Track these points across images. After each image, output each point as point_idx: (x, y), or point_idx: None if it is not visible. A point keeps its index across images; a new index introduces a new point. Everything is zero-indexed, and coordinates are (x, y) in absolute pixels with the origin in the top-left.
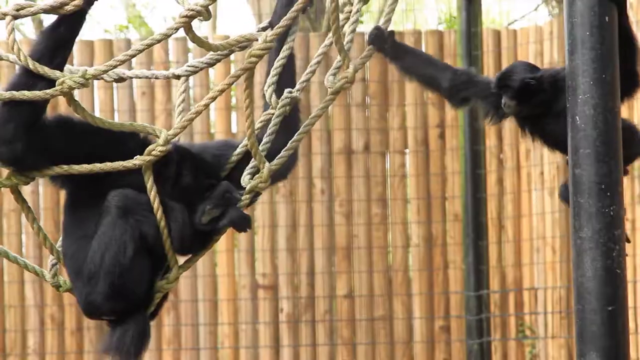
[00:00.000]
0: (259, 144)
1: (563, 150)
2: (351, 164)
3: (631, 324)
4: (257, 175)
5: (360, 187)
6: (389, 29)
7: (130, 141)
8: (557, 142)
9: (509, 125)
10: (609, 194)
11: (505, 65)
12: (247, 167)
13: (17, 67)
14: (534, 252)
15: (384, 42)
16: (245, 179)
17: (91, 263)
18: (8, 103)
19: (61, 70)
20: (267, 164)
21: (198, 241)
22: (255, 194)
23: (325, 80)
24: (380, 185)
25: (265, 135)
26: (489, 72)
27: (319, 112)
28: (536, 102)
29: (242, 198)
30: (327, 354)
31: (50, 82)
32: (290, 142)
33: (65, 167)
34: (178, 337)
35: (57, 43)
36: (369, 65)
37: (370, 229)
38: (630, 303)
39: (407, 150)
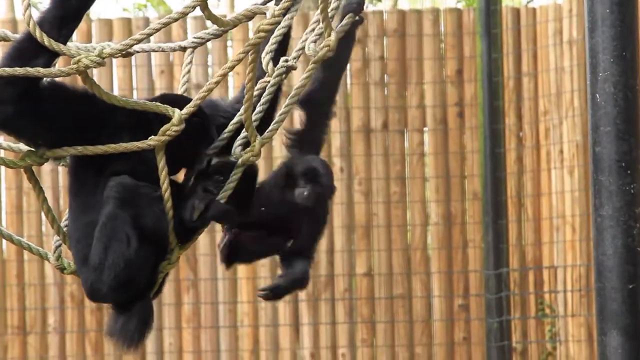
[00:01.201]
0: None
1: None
2: (370, 143)
3: None
4: (248, 149)
5: (379, 166)
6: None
7: (120, 113)
8: None
9: (529, 103)
10: (629, 171)
11: (524, 44)
12: (238, 138)
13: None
14: (554, 231)
15: (358, 12)
16: (236, 151)
17: (95, 254)
18: (5, 68)
19: (67, 42)
20: (259, 137)
21: (184, 235)
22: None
23: (307, 48)
24: (399, 163)
25: (258, 104)
26: (509, 50)
27: (304, 82)
28: None
29: (234, 172)
30: (347, 332)
31: (55, 55)
32: (278, 114)
33: (79, 147)
34: (197, 315)
35: (68, 13)
36: (387, 43)
37: (389, 207)
38: None
39: (425, 129)
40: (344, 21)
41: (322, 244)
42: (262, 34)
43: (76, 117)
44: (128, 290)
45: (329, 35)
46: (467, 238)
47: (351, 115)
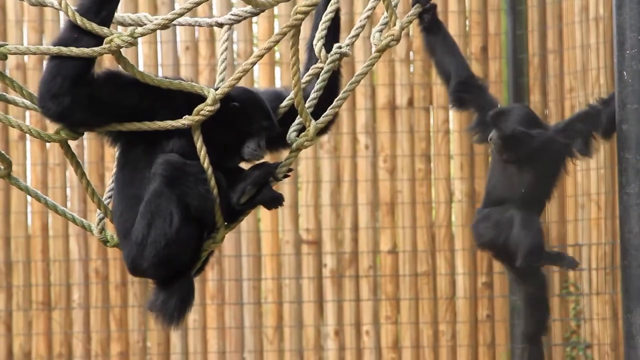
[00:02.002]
0: (305, 100)
1: (498, 193)
2: (395, 120)
3: None
4: (302, 134)
5: (404, 143)
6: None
7: (179, 96)
8: (501, 182)
9: (554, 81)
10: None
11: (550, 21)
12: (293, 124)
13: (62, 22)
14: (579, 209)
15: (426, 2)
16: (291, 136)
17: (138, 230)
18: (56, 57)
19: (108, 23)
20: (313, 122)
21: (230, 216)
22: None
23: (372, 36)
24: (424, 140)
25: (312, 91)
26: (534, 27)
27: (365, 70)
28: (520, 153)
29: (288, 156)
30: (371, 309)
31: (98, 38)
32: (336, 99)
33: (115, 124)
34: (222, 292)
35: None
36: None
37: (413, 185)
38: None
39: (450, 106)
40: (412, 10)
41: (347, 221)
42: (299, 16)
43: (132, 102)
44: (169, 268)
45: (394, 24)
46: None
47: (376, 92)
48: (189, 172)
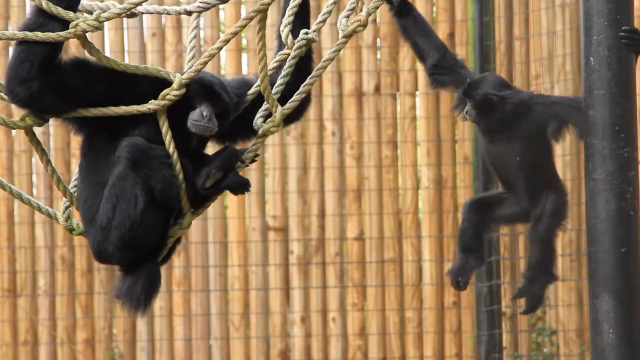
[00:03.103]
0: (272, 86)
1: (500, 174)
2: (362, 106)
3: None
4: (269, 119)
5: (371, 129)
6: None
7: (144, 83)
8: (495, 163)
9: (520, 67)
10: (622, 135)
11: (516, 7)
12: (260, 110)
13: (27, 8)
14: None
15: None
16: (257, 122)
17: (103, 214)
18: (23, 43)
19: (74, 8)
20: (279, 107)
21: (197, 201)
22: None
23: (338, 22)
24: (390, 127)
25: (279, 77)
26: (500, 13)
27: (332, 56)
28: (495, 119)
29: (255, 142)
30: (337, 296)
31: (64, 23)
32: (302, 85)
33: (81, 110)
34: (188, 278)
35: None
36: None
37: (380, 171)
38: None
39: (417, 93)
40: None
41: (313, 207)
42: (266, 1)
43: (100, 88)
44: (134, 252)
45: (361, 10)
46: (458, 202)
47: (343, 79)
48: (154, 155)
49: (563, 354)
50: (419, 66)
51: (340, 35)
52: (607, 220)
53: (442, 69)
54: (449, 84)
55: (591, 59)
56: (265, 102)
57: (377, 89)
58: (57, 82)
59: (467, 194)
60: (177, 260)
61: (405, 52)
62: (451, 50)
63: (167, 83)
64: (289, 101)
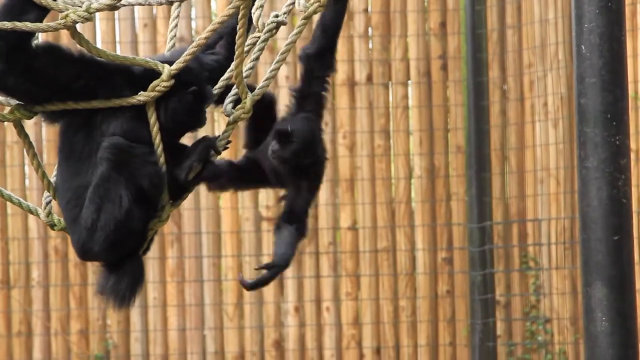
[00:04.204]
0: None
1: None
2: (354, 96)
3: (635, 255)
4: (239, 106)
5: (363, 119)
6: None
7: (117, 75)
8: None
9: (512, 56)
10: (614, 123)
11: None
12: (229, 94)
13: None
14: (538, 183)
15: None
16: (227, 108)
17: (87, 215)
18: None
19: None
20: (249, 94)
21: (176, 193)
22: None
23: (297, 4)
24: (383, 116)
25: (249, 60)
26: (492, 2)
27: (294, 38)
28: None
29: (226, 129)
30: (331, 286)
31: (46, 10)
32: (269, 70)
33: (69, 102)
34: (182, 269)
35: None
36: None
37: (373, 161)
38: (634, 233)
39: (409, 82)
40: None
41: None
42: None
43: (66, 77)
44: (120, 250)
45: None
46: (451, 191)
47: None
48: (136, 154)
49: (557, 342)
50: (411, 55)
51: (301, 17)
52: (600, 208)
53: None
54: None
55: (582, 47)
56: (234, 87)
57: (370, 78)
58: (22, 63)
59: (459, 183)
60: (170, 250)
61: (397, 42)
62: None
63: (135, 76)
64: (258, 87)
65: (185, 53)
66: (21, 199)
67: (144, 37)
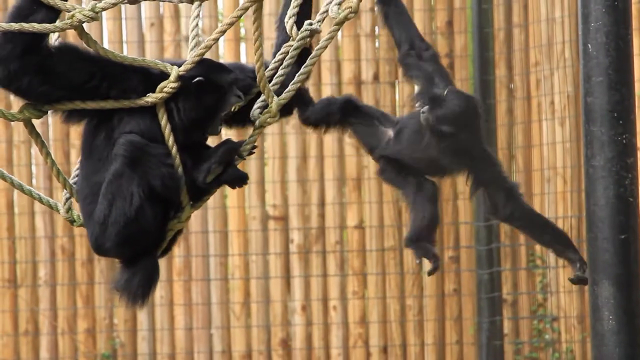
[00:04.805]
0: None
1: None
2: (361, 95)
3: None
4: (265, 110)
5: None
6: None
7: (134, 75)
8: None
9: (519, 54)
10: (621, 121)
11: None
12: (257, 101)
13: None
14: (545, 182)
15: None
16: (254, 113)
17: (100, 210)
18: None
19: None
20: (275, 98)
21: (196, 195)
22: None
23: (330, 10)
24: None
25: (280, 67)
26: (499, 1)
27: (325, 44)
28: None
29: (252, 134)
30: (338, 285)
31: (55, 11)
32: (297, 75)
33: (78, 102)
34: (188, 268)
35: None
36: None
37: None
38: None
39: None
40: None
41: (313, 196)
42: None
43: (79, 77)
44: (132, 247)
45: None
46: (458, 190)
47: (342, 68)
48: (151, 153)
49: (564, 340)
50: None
51: (333, 23)
52: (607, 207)
53: (406, 64)
54: (414, 77)
55: (589, 45)
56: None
57: (376, 77)
58: (37, 63)
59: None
60: (177, 249)
61: None
62: (427, 43)
63: (152, 76)
64: (285, 91)
65: (194, 54)
66: (41, 194)
67: (151, 37)
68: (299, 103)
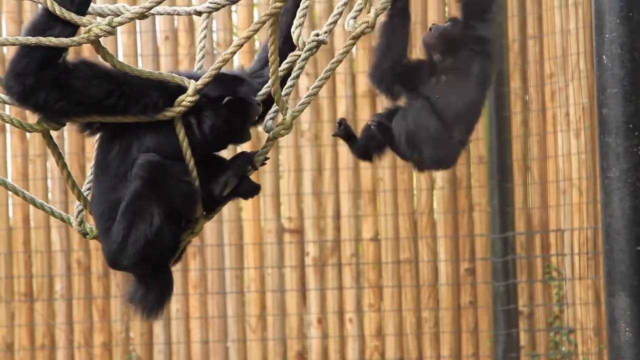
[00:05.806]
0: (282, 88)
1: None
2: (375, 107)
3: None
4: (279, 122)
5: None
6: None
7: (154, 92)
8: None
9: (534, 66)
10: (636, 133)
11: (529, 6)
12: (269, 112)
13: (39, 6)
14: (560, 194)
15: None
16: (267, 124)
17: (118, 230)
18: (17, 37)
19: (84, 12)
20: (290, 110)
21: (210, 206)
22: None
23: (346, 24)
24: None
25: (289, 78)
26: (514, 12)
27: (340, 57)
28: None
29: (265, 145)
30: (354, 297)
31: (72, 26)
32: (312, 87)
33: (95, 115)
34: (204, 281)
35: None
36: None
37: (395, 172)
38: None
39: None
40: None
41: (329, 209)
42: (278, 4)
43: (97, 93)
44: (149, 264)
45: (369, 11)
46: (473, 202)
47: (357, 80)
48: (170, 172)
49: (581, 353)
50: None
51: (349, 37)
52: (622, 219)
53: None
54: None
55: (604, 57)
56: (274, 104)
57: None
58: (53, 79)
59: (482, 194)
60: (193, 263)
61: (417, 53)
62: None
63: (174, 90)
64: (298, 103)
65: (211, 68)
66: (53, 207)
67: (166, 50)
68: (348, 140)
